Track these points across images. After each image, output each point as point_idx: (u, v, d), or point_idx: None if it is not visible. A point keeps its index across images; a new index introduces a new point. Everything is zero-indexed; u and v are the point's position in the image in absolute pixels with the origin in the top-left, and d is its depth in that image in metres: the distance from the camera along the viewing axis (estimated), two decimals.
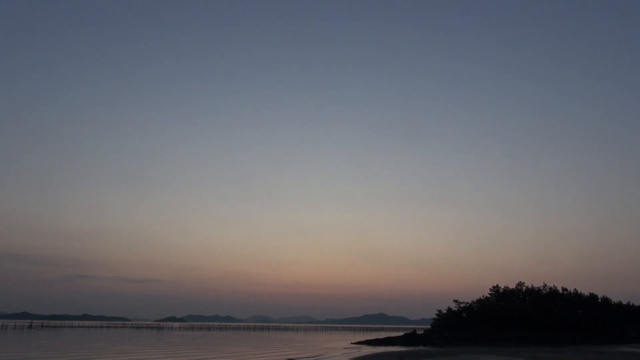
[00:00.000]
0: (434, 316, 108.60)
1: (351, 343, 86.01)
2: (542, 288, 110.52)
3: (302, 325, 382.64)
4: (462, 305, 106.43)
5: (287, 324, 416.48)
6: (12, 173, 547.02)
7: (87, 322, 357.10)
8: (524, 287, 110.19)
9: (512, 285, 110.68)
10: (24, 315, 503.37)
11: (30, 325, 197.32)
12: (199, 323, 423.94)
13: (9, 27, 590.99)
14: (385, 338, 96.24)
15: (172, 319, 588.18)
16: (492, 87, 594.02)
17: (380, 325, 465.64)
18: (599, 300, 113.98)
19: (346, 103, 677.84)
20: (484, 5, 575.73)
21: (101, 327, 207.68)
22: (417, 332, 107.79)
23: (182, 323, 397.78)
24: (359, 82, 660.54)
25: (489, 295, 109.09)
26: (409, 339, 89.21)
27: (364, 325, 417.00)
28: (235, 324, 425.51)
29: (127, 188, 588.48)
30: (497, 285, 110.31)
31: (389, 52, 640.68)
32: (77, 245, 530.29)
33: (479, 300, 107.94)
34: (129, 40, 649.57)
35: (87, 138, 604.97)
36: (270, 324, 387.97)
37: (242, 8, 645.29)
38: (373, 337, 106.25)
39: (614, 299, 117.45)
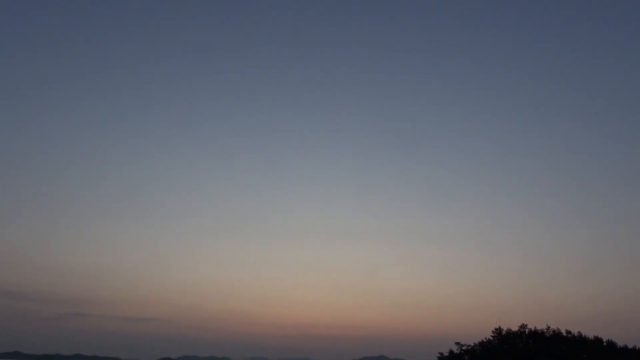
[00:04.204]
0: (436, 359, 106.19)
1: None
2: (545, 330, 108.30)
3: None
4: (464, 347, 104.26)
5: None
6: (7, 211, 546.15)
7: None
8: (527, 330, 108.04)
9: (514, 327, 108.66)
10: (15, 355, 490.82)
11: None
12: None
13: (18, 72, 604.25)
14: None
15: None
16: (476, 128, 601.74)
17: None
18: (604, 343, 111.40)
19: (346, 146, 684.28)
20: (487, 15, 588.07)
21: None
22: None
23: None
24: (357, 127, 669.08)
25: (491, 338, 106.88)
26: None
27: None
28: None
29: (123, 225, 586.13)
30: (500, 327, 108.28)
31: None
32: (72, 283, 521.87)
33: (481, 343, 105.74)
34: (137, 84, 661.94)
35: (92, 176, 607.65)
36: None
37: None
38: None
39: (619, 342, 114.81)
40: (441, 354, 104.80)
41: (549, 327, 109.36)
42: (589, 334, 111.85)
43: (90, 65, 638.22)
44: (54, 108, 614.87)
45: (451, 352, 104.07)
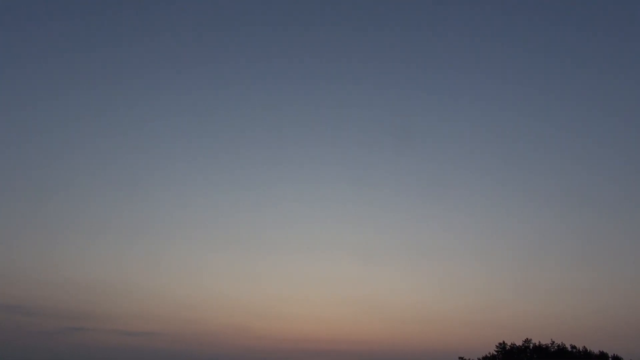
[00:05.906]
0: None
1: None
2: (550, 345, 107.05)
3: None
4: None
5: None
6: (6, 223, 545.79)
7: None
8: (531, 344, 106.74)
9: (519, 342, 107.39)
10: None
11: None
12: None
13: (18, 80, 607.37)
14: None
15: None
16: (477, 137, 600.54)
17: None
18: (610, 358, 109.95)
19: (345, 160, 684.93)
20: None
21: None
22: None
23: None
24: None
25: (495, 353, 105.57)
26: None
27: None
28: None
29: (124, 239, 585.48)
30: (504, 342, 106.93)
31: None
32: (73, 297, 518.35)
33: (485, 358, 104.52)
34: (139, 98, 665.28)
35: (93, 189, 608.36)
36: None
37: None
38: None
39: (625, 357, 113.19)
40: None
41: (554, 341, 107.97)
42: (594, 348, 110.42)
43: (90, 75, 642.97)
44: (54, 120, 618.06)
45: None
